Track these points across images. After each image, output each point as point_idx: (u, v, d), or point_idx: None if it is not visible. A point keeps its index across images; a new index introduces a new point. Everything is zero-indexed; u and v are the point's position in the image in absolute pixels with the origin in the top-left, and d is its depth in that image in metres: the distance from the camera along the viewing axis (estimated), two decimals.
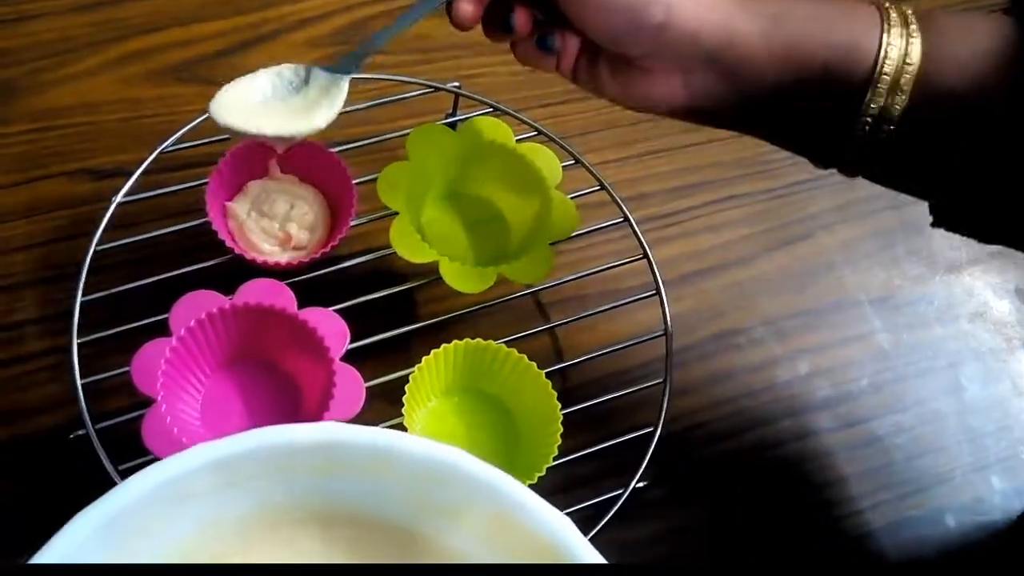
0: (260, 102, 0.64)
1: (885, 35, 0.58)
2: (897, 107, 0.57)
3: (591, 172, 0.80)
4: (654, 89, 0.62)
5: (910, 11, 0.59)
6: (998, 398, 0.84)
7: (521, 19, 0.62)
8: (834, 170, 0.63)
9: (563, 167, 0.78)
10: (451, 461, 0.50)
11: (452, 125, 0.80)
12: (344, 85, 0.64)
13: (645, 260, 0.78)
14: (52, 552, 0.47)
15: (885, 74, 0.57)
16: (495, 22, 0.62)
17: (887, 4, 0.60)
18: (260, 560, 0.54)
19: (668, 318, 0.76)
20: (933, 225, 0.64)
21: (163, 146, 0.75)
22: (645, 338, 0.76)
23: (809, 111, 0.61)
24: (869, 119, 0.58)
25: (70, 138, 0.83)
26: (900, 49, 0.57)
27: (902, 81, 0.57)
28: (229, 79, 0.88)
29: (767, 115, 0.62)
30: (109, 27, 0.89)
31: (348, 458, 0.50)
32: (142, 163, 0.74)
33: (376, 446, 0.50)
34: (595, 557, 0.49)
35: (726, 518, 0.76)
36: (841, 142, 0.60)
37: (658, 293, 0.77)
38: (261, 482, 0.51)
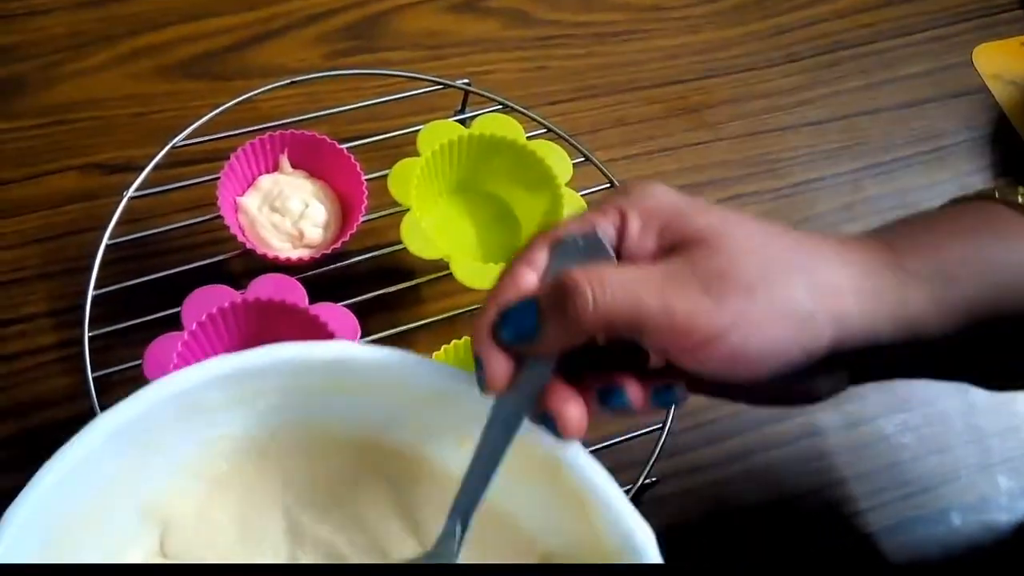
0: None
1: None
2: None
3: (601, 169, 0.81)
4: (815, 390, 0.52)
5: None
6: (1004, 398, 0.84)
7: (634, 394, 0.47)
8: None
9: (573, 164, 0.78)
10: (460, 382, 0.49)
11: (462, 122, 0.80)
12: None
13: None
14: (63, 459, 0.46)
15: None
16: (606, 405, 0.48)
17: (1009, 196, 0.51)
18: (265, 486, 0.56)
19: None
20: None
21: (174, 141, 0.75)
22: None
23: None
24: None
25: (81, 133, 0.84)
26: None
27: None
28: (239, 75, 0.89)
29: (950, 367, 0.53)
30: (119, 22, 0.90)
31: (356, 379, 0.50)
32: (153, 158, 0.74)
33: (388, 364, 0.50)
34: (596, 469, 0.49)
35: (733, 515, 0.76)
36: None
37: None
38: (270, 399, 0.51)
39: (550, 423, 0.46)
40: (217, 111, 0.77)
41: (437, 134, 0.76)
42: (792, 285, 0.44)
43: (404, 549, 0.55)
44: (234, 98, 0.78)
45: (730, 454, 0.78)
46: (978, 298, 0.47)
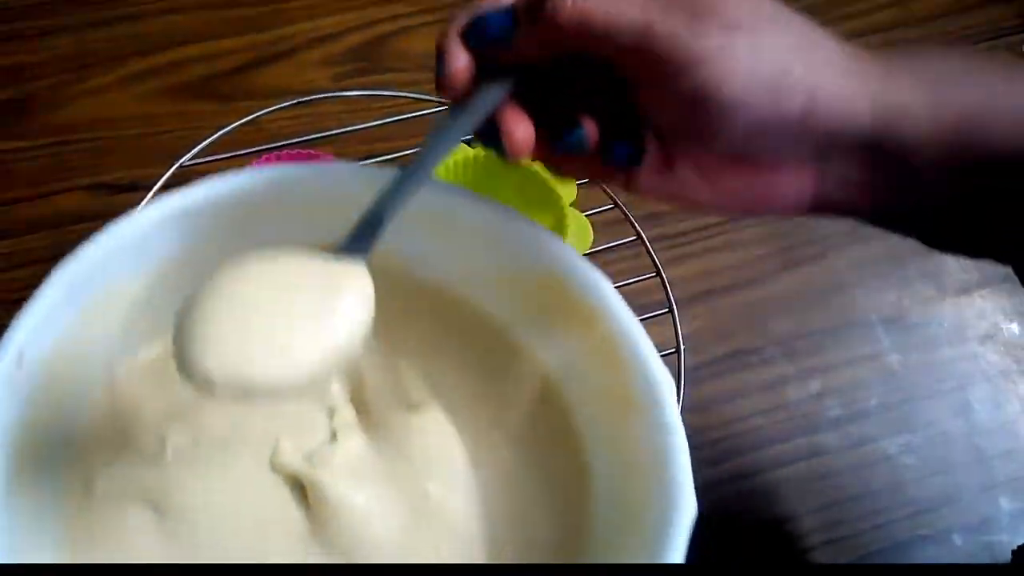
0: (253, 321, 0.44)
1: None
2: None
3: (605, 190, 0.81)
4: (774, 190, 0.47)
5: None
6: (1007, 420, 0.85)
7: (591, 129, 0.47)
8: None
9: (577, 184, 0.78)
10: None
11: (467, 142, 0.80)
12: (364, 269, 0.47)
13: (658, 278, 0.78)
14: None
15: None
16: (558, 137, 0.47)
17: None
18: None
19: (680, 336, 0.76)
20: None
21: (180, 161, 0.76)
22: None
23: (996, 198, 0.46)
24: None
25: (88, 152, 0.84)
26: None
27: None
28: (245, 96, 0.89)
29: (937, 209, 0.47)
30: (127, 43, 0.90)
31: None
32: (160, 178, 0.75)
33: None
34: (633, 319, 0.53)
35: (735, 535, 0.76)
36: None
37: (671, 311, 0.77)
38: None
39: (496, 141, 0.46)
40: (223, 131, 0.77)
41: None
42: (776, 36, 0.43)
43: None
44: (240, 119, 0.78)
45: (732, 474, 0.78)
46: (969, 112, 0.44)
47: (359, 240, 0.46)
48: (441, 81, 0.46)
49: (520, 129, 0.46)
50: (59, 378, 0.52)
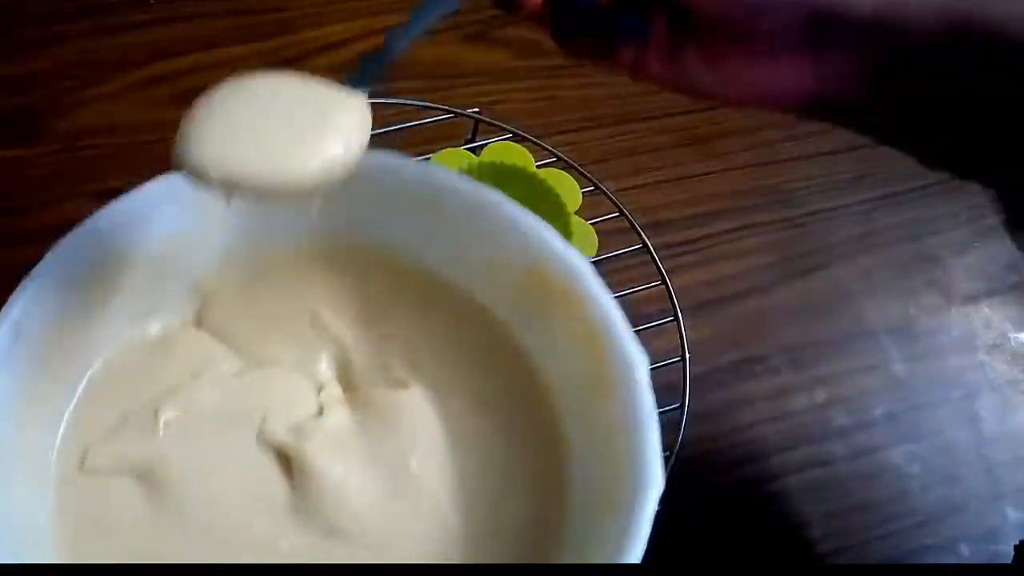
0: (253, 129, 0.48)
1: None
2: None
3: (611, 199, 0.81)
4: (774, 78, 0.48)
5: None
6: (1014, 429, 0.84)
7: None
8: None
9: (583, 193, 0.78)
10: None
11: (473, 150, 0.81)
12: (364, 102, 0.50)
13: (663, 286, 0.78)
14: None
15: None
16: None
17: None
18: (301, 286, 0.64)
19: (686, 344, 0.76)
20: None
21: None
22: (662, 364, 0.76)
23: (992, 102, 0.46)
24: None
25: (95, 160, 0.84)
26: None
27: None
28: None
29: (931, 112, 0.48)
30: (134, 50, 0.90)
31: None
32: None
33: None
34: (612, 303, 0.56)
35: (740, 542, 0.76)
36: None
37: (676, 319, 0.77)
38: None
39: None
40: None
41: (448, 162, 0.77)
42: None
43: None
44: None
45: (738, 482, 0.78)
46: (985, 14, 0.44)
47: (361, 78, 0.50)
48: None
49: None
50: (56, 352, 0.53)
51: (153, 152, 0.85)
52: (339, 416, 0.61)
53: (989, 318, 0.90)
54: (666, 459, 0.71)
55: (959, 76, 0.45)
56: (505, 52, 0.97)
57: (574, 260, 0.57)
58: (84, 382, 0.59)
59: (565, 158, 0.82)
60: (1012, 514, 0.80)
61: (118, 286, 0.58)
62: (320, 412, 0.61)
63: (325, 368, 0.64)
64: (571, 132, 0.92)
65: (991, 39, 0.44)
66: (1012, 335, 0.89)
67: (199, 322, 0.63)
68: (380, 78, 0.50)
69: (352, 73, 0.50)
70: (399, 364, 0.63)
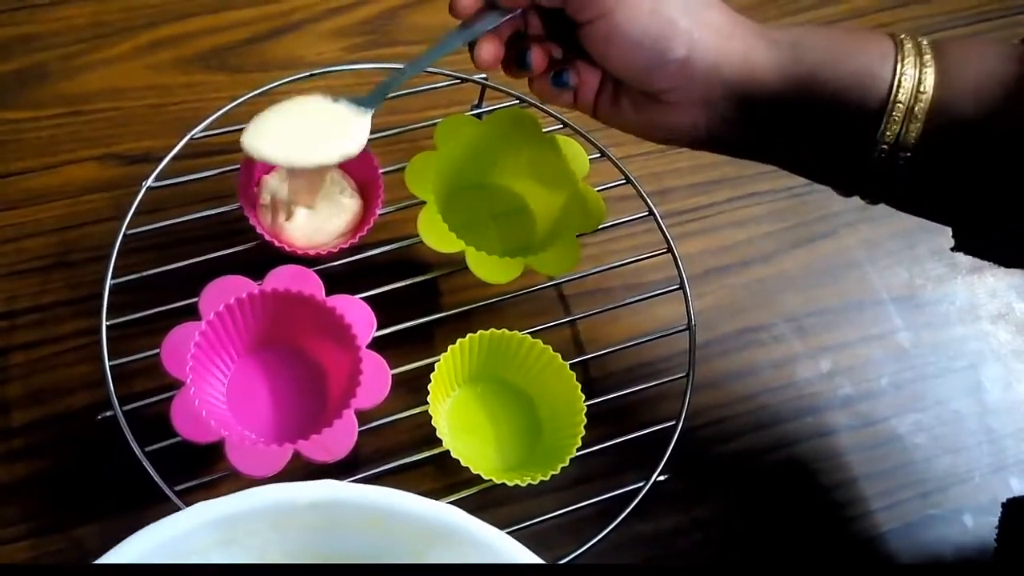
0: (290, 132, 0.67)
1: (899, 64, 0.59)
2: (912, 135, 0.58)
3: (617, 165, 0.81)
4: (677, 121, 0.64)
5: (925, 41, 0.60)
6: (1019, 399, 0.84)
7: (537, 57, 0.65)
8: (857, 196, 0.64)
9: (589, 159, 0.78)
10: (450, 521, 0.49)
11: (479, 116, 0.80)
12: (368, 118, 0.68)
13: (669, 254, 0.78)
14: None
15: (899, 102, 0.58)
16: (513, 60, 0.66)
17: (902, 35, 0.60)
18: None
19: (692, 313, 0.76)
20: (954, 249, 0.64)
21: (192, 132, 0.76)
22: (668, 332, 0.77)
23: (826, 140, 0.62)
24: (885, 147, 0.59)
25: (100, 123, 0.84)
26: (913, 78, 0.58)
27: (916, 109, 0.58)
28: (257, 67, 0.89)
29: (786, 145, 0.64)
30: (140, 14, 0.90)
31: (347, 516, 0.50)
32: (171, 149, 0.75)
33: (376, 506, 0.50)
34: None
35: (744, 513, 0.76)
36: (859, 170, 0.61)
37: (682, 288, 0.77)
38: (260, 538, 0.50)
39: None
40: (236, 103, 0.77)
41: (454, 128, 0.76)
42: None
43: None
44: (252, 90, 0.78)
45: (742, 453, 0.78)
46: (815, 75, 0.60)
47: (371, 99, 0.68)
48: (453, 4, 0.64)
49: (490, 48, 0.65)
50: None
51: (157, 116, 0.85)
52: None
53: (994, 288, 0.90)
54: (671, 428, 0.71)
55: (795, 115, 0.62)
56: None
57: (514, 554, 0.50)
58: None
59: (571, 124, 0.82)
60: (1016, 484, 0.80)
61: None
62: None
63: None
64: None
65: (816, 91, 0.60)
66: (1017, 305, 0.89)
67: None
68: (381, 100, 0.69)
69: (363, 98, 0.68)
70: None
